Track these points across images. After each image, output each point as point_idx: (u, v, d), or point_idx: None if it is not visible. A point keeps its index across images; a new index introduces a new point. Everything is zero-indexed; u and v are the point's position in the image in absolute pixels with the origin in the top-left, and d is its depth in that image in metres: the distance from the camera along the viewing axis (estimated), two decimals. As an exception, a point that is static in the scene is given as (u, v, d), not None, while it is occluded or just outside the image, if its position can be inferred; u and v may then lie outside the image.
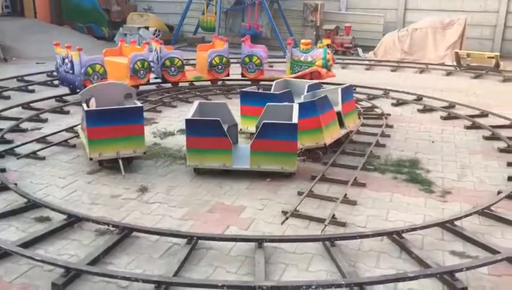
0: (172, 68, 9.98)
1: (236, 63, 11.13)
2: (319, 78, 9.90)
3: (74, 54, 8.89)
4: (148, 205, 4.83)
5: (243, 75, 10.59)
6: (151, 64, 9.87)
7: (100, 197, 5.00)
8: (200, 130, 5.42)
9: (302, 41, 10.56)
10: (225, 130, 5.52)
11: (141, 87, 9.90)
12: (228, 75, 10.56)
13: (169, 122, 7.75)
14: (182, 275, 3.62)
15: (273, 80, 8.15)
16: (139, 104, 5.90)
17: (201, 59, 10.62)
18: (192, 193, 5.14)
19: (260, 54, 10.43)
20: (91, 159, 5.58)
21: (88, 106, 5.79)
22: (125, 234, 4.15)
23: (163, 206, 4.82)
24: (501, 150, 6.60)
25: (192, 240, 4.00)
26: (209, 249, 4.01)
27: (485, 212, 4.64)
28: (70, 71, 9.02)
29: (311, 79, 9.76)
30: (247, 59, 10.45)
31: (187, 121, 5.44)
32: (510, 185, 5.27)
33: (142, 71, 9.50)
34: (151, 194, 5.09)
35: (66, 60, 9.08)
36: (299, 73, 10.18)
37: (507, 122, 7.95)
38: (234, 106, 7.06)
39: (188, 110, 5.90)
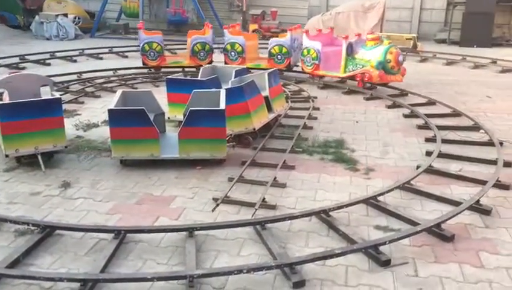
0: (233, 53, 10.25)
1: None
2: (370, 81, 9.00)
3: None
4: (72, 201, 4.62)
5: (303, 69, 10.01)
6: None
7: (19, 195, 4.72)
8: (124, 120, 5.23)
9: (369, 36, 9.26)
10: (151, 119, 5.37)
11: (61, 78, 9.46)
12: (288, 65, 10.15)
13: (93, 114, 7.44)
14: (109, 271, 3.50)
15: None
16: (57, 95, 5.61)
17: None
18: (119, 185, 4.98)
19: (317, 47, 9.55)
20: (7, 155, 5.23)
21: (1, 100, 5.41)
22: (47, 232, 3.94)
23: (88, 201, 4.63)
24: (419, 127, 6.97)
25: (120, 234, 3.87)
26: (138, 242, 3.90)
27: (406, 187, 4.88)
28: None
29: (362, 81, 9.04)
30: (305, 52, 9.80)
31: (110, 111, 5.24)
32: (428, 159, 5.57)
33: (202, 53, 10.35)
34: (74, 189, 4.87)
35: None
36: (350, 73, 9.21)
37: (424, 101, 8.42)
38: (162, 93, 6.90)
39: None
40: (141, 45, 10.17)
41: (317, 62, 9.60)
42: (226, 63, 10.40)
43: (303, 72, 10.06)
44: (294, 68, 10.51)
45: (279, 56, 10.15)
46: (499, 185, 4.94)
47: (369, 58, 8.86)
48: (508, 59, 12.46)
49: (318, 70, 9.65)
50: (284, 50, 10.09)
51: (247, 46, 10.41)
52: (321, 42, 9.64)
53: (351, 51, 9.14)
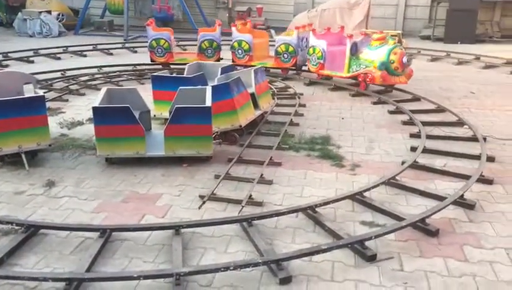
0: (240, 51, 10.13)
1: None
2: (373, 82, 8.66)
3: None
4: (57, 200, 4.57)
5: (309, 68, 9.78)
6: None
7: (2, 195, 4.65)
8: (109, 118, 5.19)
9: (375, 36, 8.90)
10: (136, 116, 5.34)
11: (44, 76, 9.34)
12: (295, 64, 9.94)
13: (78, 111, 7.37)
14: (95, 270, 3.48)
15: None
16: (40, 93, 5.53)
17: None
18: (104, 183, 4.94)
19: (323, 46, 9.28)
20: (-10, 155, 5.16)
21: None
22: (31, 232, 3.90)
23: (72, 200, 4.58)
24: (404, 123, 7.02)
25: (106, 233, 3.84)
26: (124, 240, 3.88)
27: (391, 182, 4.92)
28: None
29: (364, 81, 8.74)
30: (311, 51, 9.55)
31: (94, 109, 5.18)
32: (413, 155, 5.61)
33: (209, 50, 10.34)
34: (59, 188, 4.82)
35: None
36: (353, 73, 8.87)
37: (409, 97, 8.49)
38: (148, 91, 6.86)
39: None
40: (149, 41, 10.15)
41: (322, 61, 9.35)
42: (233, 61, 10.20)
43: (309, 71, 9.90)
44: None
45: (285, 55, 9.91)
46: (483, 180, 5.01)
47: (372, 59, 8.54)
48: (491, 55, 12.60)
49: (323, 70, 9.40)
50: (291, 49, 9.82)
51: (255, 44, 10.18)
52: (328, 41, 9.37)
53: (355, 50, 8.81)
